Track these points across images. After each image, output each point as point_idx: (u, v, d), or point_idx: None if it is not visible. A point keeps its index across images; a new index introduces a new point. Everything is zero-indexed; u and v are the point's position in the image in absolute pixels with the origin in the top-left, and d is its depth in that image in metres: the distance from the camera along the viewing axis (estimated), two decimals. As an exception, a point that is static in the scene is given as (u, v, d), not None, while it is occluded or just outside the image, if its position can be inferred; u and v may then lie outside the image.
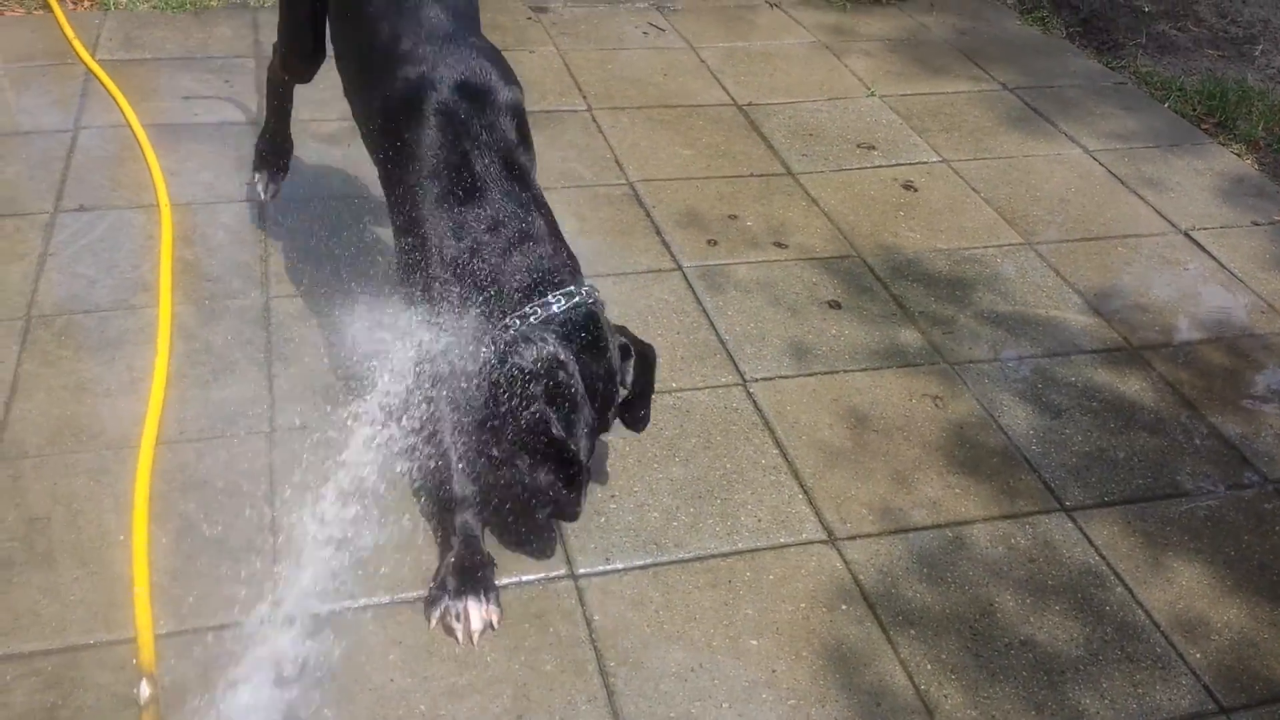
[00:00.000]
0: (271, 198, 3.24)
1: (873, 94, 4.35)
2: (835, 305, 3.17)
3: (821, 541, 2.42)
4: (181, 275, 3.01)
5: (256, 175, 3.24)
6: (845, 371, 2.92)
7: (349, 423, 2.14)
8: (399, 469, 2.18)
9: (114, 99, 3.77)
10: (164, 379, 2.65)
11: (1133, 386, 2.96)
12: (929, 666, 2.17)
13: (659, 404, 2.74)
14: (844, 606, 2.27)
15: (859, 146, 4.00)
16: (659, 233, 3.39)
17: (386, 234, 3.02)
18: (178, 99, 3.86)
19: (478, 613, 2.11)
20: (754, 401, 2.79)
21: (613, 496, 2.48)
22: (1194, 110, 4.45)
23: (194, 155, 3.55)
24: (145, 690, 1.99)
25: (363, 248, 3.15)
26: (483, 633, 2.11)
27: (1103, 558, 2.44)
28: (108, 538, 2.25)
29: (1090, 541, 2.48)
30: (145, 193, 3.34)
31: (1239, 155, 4.16)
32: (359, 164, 3.34)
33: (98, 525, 2.28)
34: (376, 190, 2.58)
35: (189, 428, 2.54)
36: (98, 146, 3.56)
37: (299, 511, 2.17)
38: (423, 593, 2.19)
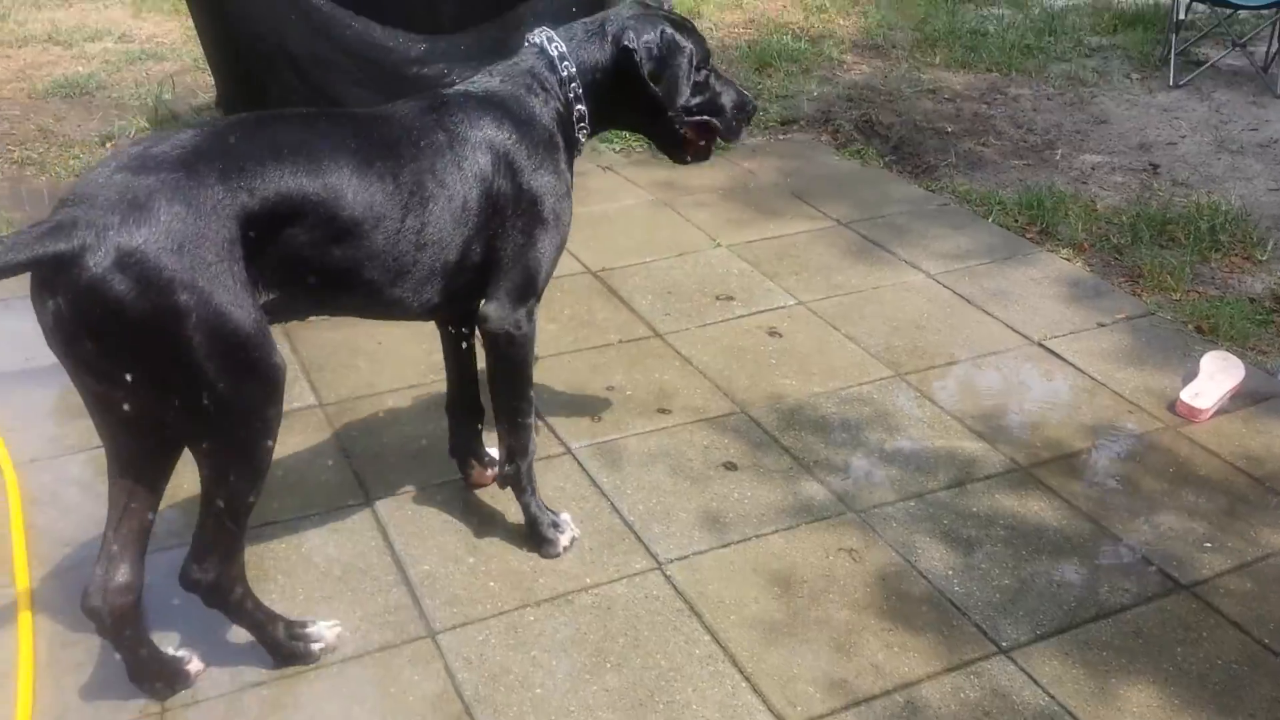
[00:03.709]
0: None
1: (718, 244, 4.42)
2: (732, 466, 3.13)
3: (777, 730, 2.32)
4: (37, 544, 2.75)
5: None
6: (758, 536, 2.87)
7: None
8: None
9: (-70, 353, 3.50)
10: (31, 672, 2.39)
11: (1033, 508, 3.00)
12: None
13: (577, 605, 2.63)
14: (815, 799, 2.17)
15: (718, 298, 4.04)
16: (540, 415, 3.30)
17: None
18: (6, 344, 3.60)
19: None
20: (674, 585, 2.70)
21: (550, 720, 2.33)
22: (1016, 221, 4.68)
23: (33, 404, 3.30)
24: None
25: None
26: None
27: (1052, 697, 2.41)
28: None
29: (1035, 681, 2.45)
30: (-19, 455, 3.08)
31: (1068, 259, 4.38)
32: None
33: None
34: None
35: (70, 721, 2.28)
36: (-82, 409, 3.27)
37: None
38: None
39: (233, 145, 2.14)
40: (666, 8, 2.78)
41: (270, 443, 2.19)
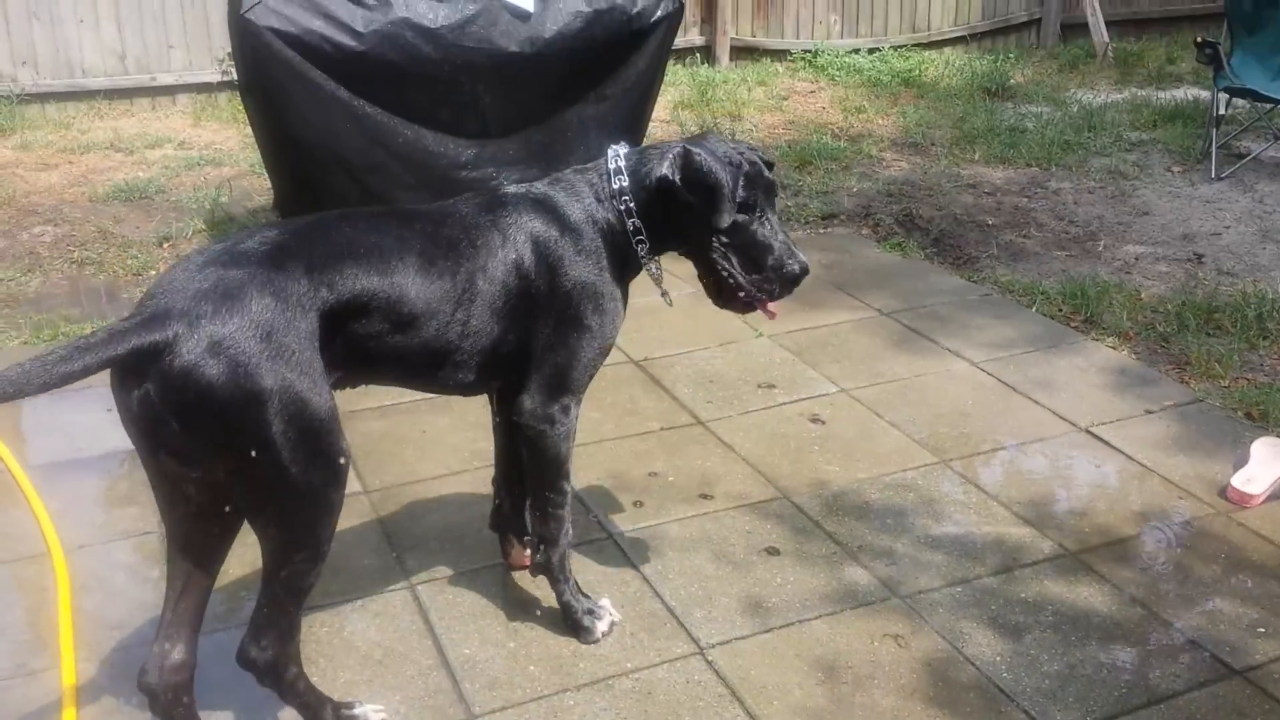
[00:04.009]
0: None
1: (760, 334, 4.45)
2: (774, 552, 3.11)
3: (821, 818, 2.26)
4: (84, 629, 2.78)
5: None
6: (801, 622, 2.83)
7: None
8: None
9: (-12, 443, 3.58)
10: (75, 750, 2.40)
11: (1082, 593, 2.94)
12: None
13: (617, 689, 2.60)
14: None
15: (760, 386, 4.05)
16: (583, 501, 3.31)
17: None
18: (57, 435, 3.69)
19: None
20: (715, 670, 2.67)
21: (590, 803, 2.30)
22: (1060, 311, 4.68)
23: (82, 492, 3.37)
24: None
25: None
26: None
27: (1106, 784, 2.34)
28: None
29: (1089, 768, 2.38)
30: (33, 542, 3.13)
31: (1114, 348, 4.35)
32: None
33: None
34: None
35: (110, 803, 2.28)
36: (-25, 496, 3.34)
37: None
38: None
39: (315, 243, 2.27)
40: (752, 152, 2.67)
41: (332, 526, 2.24)
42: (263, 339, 2.05)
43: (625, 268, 2.66)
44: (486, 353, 2.51)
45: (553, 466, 2.67)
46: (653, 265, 2.68)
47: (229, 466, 2.10)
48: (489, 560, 3.04)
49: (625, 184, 2.60)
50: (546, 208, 2.57)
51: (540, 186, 2.64)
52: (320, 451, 2.14)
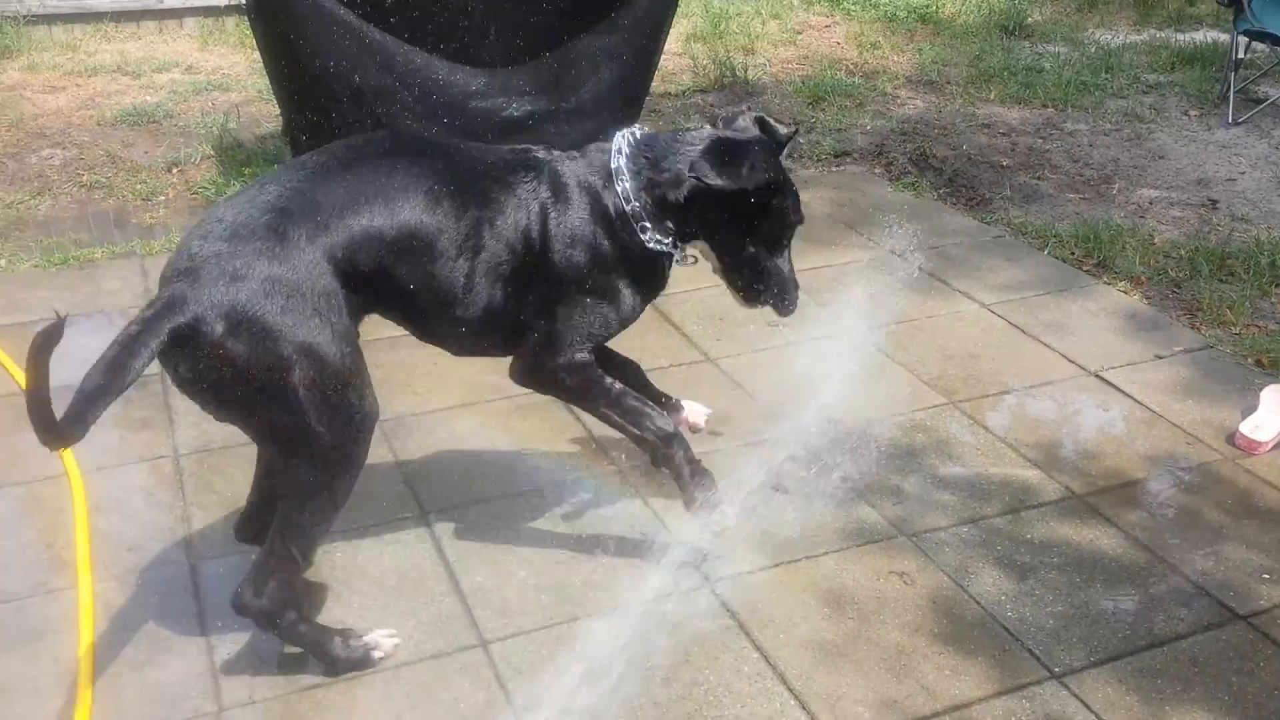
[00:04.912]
0: None
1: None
2: (783, 489, 3.13)
3: (826, 748, 2.31)
4: (100, 549, 2.81)
5: None
6: (808, 558, 2.86)
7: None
8: None
9: (3, 366, 3.59)
10: (91, 669, 2.44)
11: (1088, 536, 2.97)
12: None
13: (626, 620, 2.63)
14: (864, 817, 2.16)
15: (768, 325, 4.04)
16: (593, 438, 3.32)
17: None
18: (70, 358, 3.69)
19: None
20: (723, 603, 2.70)
21: (598, 731, 2.34)
22: (1073, 254, 4.66)
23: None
24: None
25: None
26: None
27: (1107, 722, 2.38)
28: None
29: (1088, 707, 2.42)
30: (50, 463, 3.15)
31: (1126, 292, 4.34)
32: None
33: None
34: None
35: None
36: (-11, 417, 3.36)
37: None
38: None
39: (317, 201, 2.27)
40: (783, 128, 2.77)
41: (352, 480, 2.31)
42: (279, 312, 2.12)
43: (634, 254, 2.57)
44: (496, 315, 2.50)
45: (587, 405, 2.69)
46: (675, 253, 2.62)
47: (261, 423, 2.23)
48: (501, 491, 3.07)
49: (620, 164, 2.53)
50: (558, 182, 2.52)
51: (564, 159, 2.57)
52: (344, 408, 2.22)
